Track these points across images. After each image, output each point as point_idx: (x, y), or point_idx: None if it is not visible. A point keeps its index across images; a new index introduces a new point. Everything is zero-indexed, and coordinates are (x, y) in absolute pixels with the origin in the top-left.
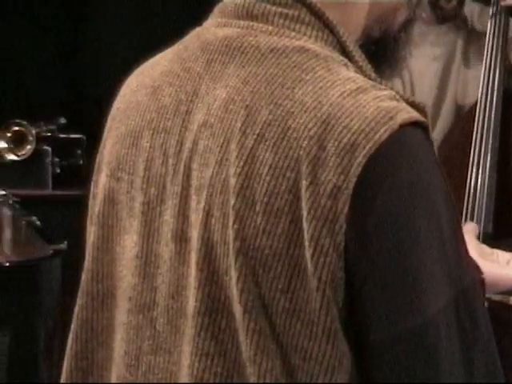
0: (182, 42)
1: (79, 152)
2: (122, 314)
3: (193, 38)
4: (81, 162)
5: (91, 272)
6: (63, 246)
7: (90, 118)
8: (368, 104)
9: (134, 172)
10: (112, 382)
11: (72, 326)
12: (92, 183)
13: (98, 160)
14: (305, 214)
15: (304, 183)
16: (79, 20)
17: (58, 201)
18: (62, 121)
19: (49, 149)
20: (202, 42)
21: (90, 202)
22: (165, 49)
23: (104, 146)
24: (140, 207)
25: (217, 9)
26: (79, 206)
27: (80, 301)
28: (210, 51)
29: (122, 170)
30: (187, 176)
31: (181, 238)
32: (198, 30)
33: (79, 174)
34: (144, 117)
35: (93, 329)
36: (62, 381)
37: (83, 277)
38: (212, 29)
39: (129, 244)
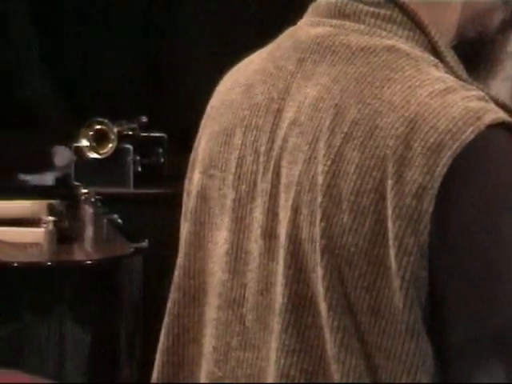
0: (276, 40)
1: (160, 151)
2: (211, 310)
3: (286, 37)
4: (162, 160)
5: (183, 268)
6: (144, 244)
7: (172, 117)
8: (456, 104)
9: (226, 169)
10: (201, 377)
11: (164, 321)
12: (186, 180)
13: (192, 157)
14: (390, 213)
15: (389, 182)
16: (163, 18)
17: (139, 199)
18: (144, 119)
19: (130, 147)
20: (294, 41)
21: (184, 199)
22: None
23: (198, 144)
24: (231, 204)
25: (310, 8)
26: (160, 204)
27: (172, 296)
28: (301, 50)
29: (215, 167)
30: (277, 173)
31: (270, 235)
32: (291, 28)
33: (160, 173)
34: (237, 114)
35: (184, 324)
36: (153, 375)
37: (176, 272)
38: (305, 28)
39: (219, 240)
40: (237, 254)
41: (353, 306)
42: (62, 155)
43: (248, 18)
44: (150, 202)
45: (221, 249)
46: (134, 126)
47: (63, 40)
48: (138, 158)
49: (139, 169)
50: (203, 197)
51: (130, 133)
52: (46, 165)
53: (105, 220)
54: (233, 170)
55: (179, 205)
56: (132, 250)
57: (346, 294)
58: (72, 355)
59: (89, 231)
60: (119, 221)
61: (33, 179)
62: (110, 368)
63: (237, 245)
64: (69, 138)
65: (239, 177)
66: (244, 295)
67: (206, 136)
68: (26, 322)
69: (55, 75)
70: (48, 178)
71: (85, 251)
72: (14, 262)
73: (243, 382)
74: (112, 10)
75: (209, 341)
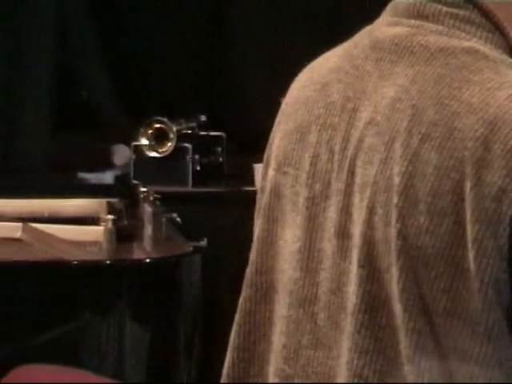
0: (352, 39)
1: (219, 149)
2: (281, 308)
3: (363, 36)
4: (221, 159)
5: (255, 264)
6: (203, 243)
7: (231, 116)
8: None
9: (300, 167)
10: (270, 374)
11: (236, 318)
12: (261, 177)
13: (266, 155)
14: (468, 215)
15: (468, 184)
16: (222, 18)
17: (198, 198)
18: (203, 118)
19: (189, 146)
20: (371, 41)
21: (258, 196)
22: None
23: (272, 141)
24: (304, 202)
25: (388, 7)
26: (219, 203)
27: (244, 293)
28: (379, 49)
29: (288, 165)
30: (351, 173)
31: (343, 234)
32: (368, 27)
33: (219, 172)
34: (312, 112)
35: (255, 321)
36: (224, 371)
37: (248, 269)
38: (382, 27)
39: (290, 238)
40: (309, 252)
41: (428, 307)
42: (121, 154)
43: (303, 16)
44: (209, 200)
45: (292, 247)
46: (193, 124)
47: (123, 40)
48: (196, 156)
49: (198, 168)
50: (276, 194)
51: (189, 132)
52: (106, 163)
53: (164, 219)
54: (306, 167)
55: (237, 203)
56: (191, 248)
57: (421, 295)
58: (131, 354)
59: (148, 230)
60: (178, 219)
61: (92, 178)
62: (169, 367)
63: (309, 243)
64: (128, 137)
65: (313, 175)
66: (316, 294)
67: (281, 133)
68: (86, 321)
69: (115, 75)
70: (107, 177)
71: (144, 250)
72: (73, 261)
73: (313, 380)
74: (171, 9)
75: (278, 338)
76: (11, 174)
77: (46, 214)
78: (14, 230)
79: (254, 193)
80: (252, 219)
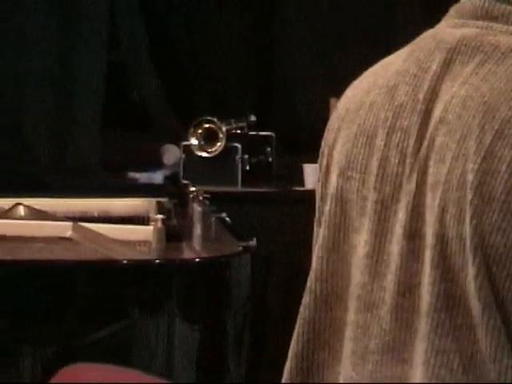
0: (413, 43)
1: (269, 149)
2: (348, 313)
3: (427, 39)
4: (270, 159)
5: (315, 271)
6: (252, 242)
7: (280, 116)
8: None
9: (367, 171)
10: (340, 382)
11: (296, 326)
12: (319, 185)
13: (325, 162)
14: None
15: None
16: (272, 18)
17: (247, 198)
18: (253, 118)
19: (239, 146)
20: (438, 42)
21: (318, 204)
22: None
23: (333, 147)
24: (372, 206)
25: (453, 10)
26: (268, 202)
27: (304, 300)
28: (447, 50)
29: (353, 169)
30: (423, 173)
31: (414, 235)
32: (431, 31)
33: (268, 172)
34: (378, 116)
35: (315, 328)
36: (283, 381)
37: (309, 276)
38: (447, 29)
39: (358, 243)
40: (378, 256)
41: (502, 305)
42: (171, 154)
43: (356, 18)
44: (258, 200)
45: (360, 251)
46: (243, 124)
47: (173, 40)
48: (246, 156)
49: (247, 167)
50: (340, 199)
51: (239, 131)
52: (156, 163)
53: (213, 218)
54: (374, 171)
55: (286, 203)
56: (240, 248)
57: (496, 294)
58: (180, 353)
59: (197, 229)
60: (227, 219)
61: (142, 177)
62: (218, 366)
63: (378, 247)
64: (178, 137)
65: (382, 178)
66: (383, 298)
67: (343, 139)
68: (135, 320)
69: (165, 75)
70: (157, 177)
71: (193, 249)
72: (123, 260)
73: None
74: (222, 9)
75: (347, 344)
76: (62, 173)
77: (96, 214)
78: (65, 229)
79: (303, 193)
80: (301, 219)
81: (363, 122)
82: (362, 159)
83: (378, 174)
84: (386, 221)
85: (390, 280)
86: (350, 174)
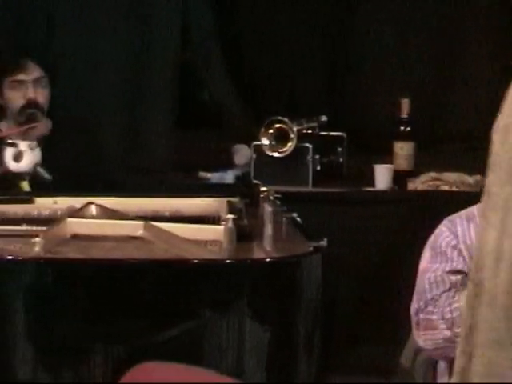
0: None
1: (340, 150)
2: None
3: None
4: (341, 159)
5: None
6: (323, 243)
7: (351, 117)
8: None
9: None
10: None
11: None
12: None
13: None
14: None
15: None
16: (344, 17)
17: (318, 198)
18: (324, 118)
19: (310, 146)
20: None
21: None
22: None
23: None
24: None
25: None
26: (339, 203)
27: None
28: None
29: None
30: None
31: None
32: None
33: (339, 172)
34: None
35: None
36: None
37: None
38: None
39: None
40: None
41: None
42: (242, 154)
43: (429, 18)
44: (329, 200)
45: None
46: (314, 124)
47: (246, 40)
48: (317, 156)
49: (318, 167)
50: None
51: (310, 132)
52: (227, 163)
53: (284, 218)
54: None
55: (357, 204)
56: (311, 248)
57: None
58: (251, 353)
59: (268, 229)
60: (298, 219)
61: (214, 177)
62: (289, 367)
63: None
64: (249, 137)
65: None
66: None
67: None
68: (206, 320)
69: (237, 75)
70: (228, 176)
71: (264, 249)
72: (193, 259)
73: None
74: (293, 9)
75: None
76: (134, 173)
77: (168, 213)
78: (136, 228)
79: (374, 193)
80: (372, 219)
81: None
82: None
83: None
84: None
85: None
86: None
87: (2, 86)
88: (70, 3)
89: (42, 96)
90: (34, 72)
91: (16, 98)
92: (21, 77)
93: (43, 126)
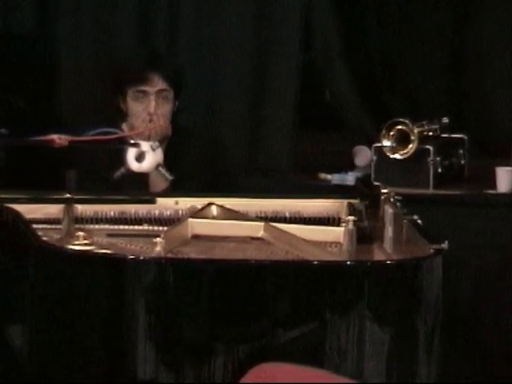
0: None
1: (461, 152)
2: None
3: None
4: (462, 162)
5: None
6: (444, 245)
7: (473, 119)
8: None
9: None
10: None
11: None
12: None
13: None
14: None
15: None
16: (464, 20)
17: (439, 200)
18: (445, 120)
19: (431, 148)
20: None
21: None
22: None
23: None
24: None
25: None
26: (460, 205)
27: None
28: None
29: None
30: None
31: None
32: None
33: (460, 174)
34: None
35: None
36: None
37: None
38: None
39: None
40: None
41: None
42: (362, 155)
43: None
44: (450, 202)
45: None
46: (435, 127)
47: (367, 41)
48: (438, 159)
49: (439, 170)
50: None
51: (431, 134)
52: (348, 165)
53: (404, 220)
54: None
55: (479, 206)
56: (432, 251)
57: None
58: (371, 355)
59: (388, 231)
60: (419, 221)
61: (334, 178)
62: (409, 368)
63: None
64: (370, 139)
65: None
66: None
67: None
68: (326, 321)
69: (359, 76)
70: (349, 178)
71: (384, 251)
72: (314, 261)
73: None
74: (415, 10)
75: None
76: (255, 174)
77: (288, 214)
78: (256, 229)
79: (496, 196)
80: (493, 222)
81: None
82: None
83: None
84: None
85: None
86: None
87: (127, 95)
88: (192, 12)
89: (164, 109)
90: (158, 84)
91: (138, 109)
92: (145, 88)
93: (165, 128)
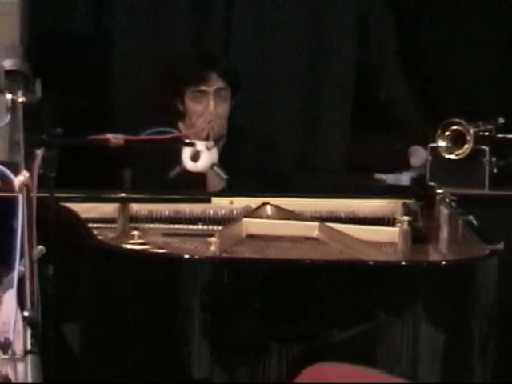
0: None
1: None
2: None
3: None
4: None
5: None
6: (500, 246)
7: None
8: None
9: None
10: None
11: None
12: None
13: None
14: None
15: None
16: None
17: (495, 201)
18: (501, 120)
19: (486, 148)
20: None
21: None
22: None
23: None
24: None
25: None
26: None
27: None
28: None
29: None
30: None
31: None
32: None
33: None
34: None
35: None
36: None
37: None
38: None
39: None
40: None
41: None
42: (418, 155)
43: None
44: (506, 203)
45: None
46: (491, 127)
47: (422, 40)
48: (493, 159)
49: (495, 170)
50: None
51: (486, 134)
52: (403, 165)
53: (460, 221)
54: None
55: None
56: (487, 251)
57: None
58: (425, 356)
59: (443, 232)
60: (474, 222)
61: (389, 178)
62: (463, 369)
63: None
64: (425, 139)
65: None
66: None
67: None
68: (380, 321)
69: (414, 76)
70: (404, 178)
71: (439, 252)
72: (368, 261)
73: None
74: (471, 11)
75: None
76: (309, 173)
77: (342, 214)
78: (311, 229)
79: None
80: None
81: None
82: None
83: None
84: None
85: None
86: None
87: (185, 95)
88: (246, 10)
89: (222, 108)
90: (216, 84)
91: (197, 109)
92: (203, 88)
93: (221, 128)
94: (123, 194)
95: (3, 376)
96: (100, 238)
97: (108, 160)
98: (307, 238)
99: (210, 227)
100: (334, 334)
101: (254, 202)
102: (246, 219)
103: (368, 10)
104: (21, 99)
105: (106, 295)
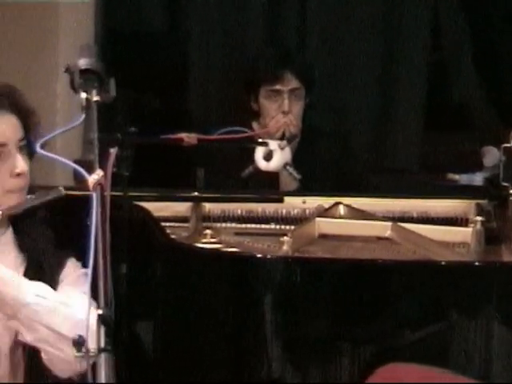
0: None
1: None
2: None
3: None
4: None
5: None
6: None
7: None
8: None
9: None
10: None
11: None
12: None
13: None
14: None
15: None
16: None
17: None
18: None
19: None
20: None
21: None
22: None
23: None
24: None
25: None
26: None
27: None
28: None
29: None
30: None
31: None
32: None
33: None
34: None
35: None
36: None
37: None
38: None
39: None
40: None
41: None
42: (491, 155)
43: None
44: None
45: None
46: None
47: (494, 40)
48: None
49: None
50: None
51: None
52: (476, 165)
53: None
54: None
55: None
56: None
57: None
58: (499, 357)
59: None
60: None
61: (462, 179)
62: None
63: None
64: (498, 139)
65: None
66: None
67: None
68: (453, 322)
69: (488, 76)
70: (477, 178)
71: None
72: (441, 261)
73: None
74: None
75: None
76: (382, 173)
77: (415, 214)
78: (384, 229)
79: None
80: None
81: None
82: None
83: None
84: None
85: None
86: None
87: (259, 94)
88: (321, 9)
89: (296, 108)
90: (291, 83)
91: (271, 108)
92: (278, 87)
93: (295, 127)
94: (196, 193)
95: (78, 373)
96: (173, 236)
97: (181, 159)
98: (380, 238)
99: (283, 227)
100: (406, 334)
101: (326, 201)
102: (318, 219)
103: (441, 11)
104: (95, 98)
105: (179, 294)
